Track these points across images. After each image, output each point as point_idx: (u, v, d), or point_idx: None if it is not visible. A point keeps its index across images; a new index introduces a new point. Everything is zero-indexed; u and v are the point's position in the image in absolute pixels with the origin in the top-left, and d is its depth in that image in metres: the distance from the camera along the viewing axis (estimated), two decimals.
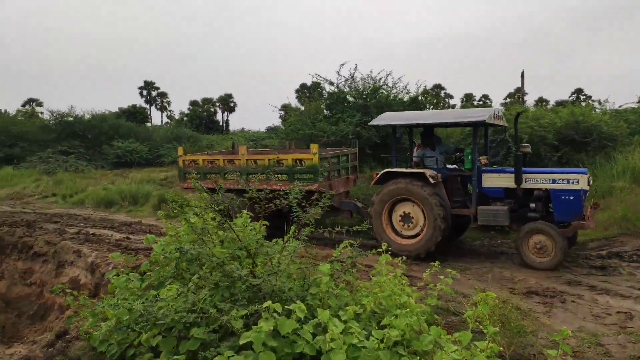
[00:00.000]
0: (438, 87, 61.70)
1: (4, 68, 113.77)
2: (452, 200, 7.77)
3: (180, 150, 10.04)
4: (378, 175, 8.04)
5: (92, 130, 29.00)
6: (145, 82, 70.25)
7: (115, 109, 47.24)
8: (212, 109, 70.15)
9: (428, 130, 8.41)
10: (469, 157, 7.59)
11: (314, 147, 8.48)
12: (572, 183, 6.91)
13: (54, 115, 29.87)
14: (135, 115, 50.08)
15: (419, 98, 16.38)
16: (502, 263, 7.54)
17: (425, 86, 17.92)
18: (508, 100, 61.31)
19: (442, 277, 4.14)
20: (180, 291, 3.50)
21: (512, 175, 7.24)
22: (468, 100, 65.85)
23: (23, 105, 53.91)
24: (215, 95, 73.28)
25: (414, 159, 8.28)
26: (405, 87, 16.12)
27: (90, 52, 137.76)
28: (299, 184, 7.56)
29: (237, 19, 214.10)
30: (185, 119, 63.44)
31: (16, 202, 16.01)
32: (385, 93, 15.76)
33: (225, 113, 72.73)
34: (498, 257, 7.91)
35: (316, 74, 16.36)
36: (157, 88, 71.50)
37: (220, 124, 68.21)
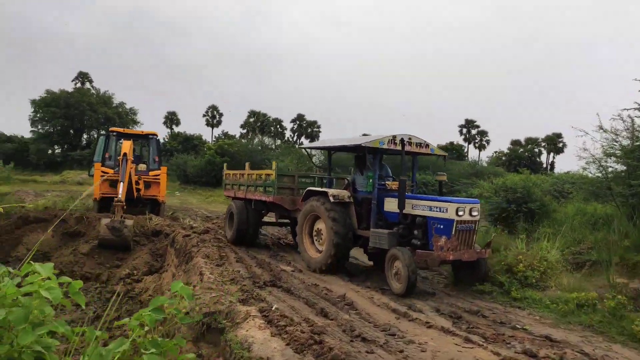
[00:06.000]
0: None
1: (338, 106, 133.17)
2: (364, 221, 7.91)
3: (224, 167, 12.43)
4: (304, 194, 8.64)
5: (393, 160, 33.33)
6: (466, 120, 72.65)
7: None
8: (535, 149, 65.71)
9: (358, 155, 8.65)
10: (370, 180, 7.80)
11: (274, 164, 9.82)
12: (442, 211, 6.69)
13: None
14: (451, 152, 52.49)
15: None
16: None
17: None
18: None
19: None
20: None
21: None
22: None
23: None
24: (541, 134, 68.13)
25: (345, 181, 8.75)
26: None
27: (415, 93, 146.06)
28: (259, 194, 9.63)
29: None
30: (503, 158, 62.02)
31: None
32: None
33: (551, 154, 66.64)
34: None
35: None
36: (478, 126, 72.53)
37: (544, 165, 63.05)
